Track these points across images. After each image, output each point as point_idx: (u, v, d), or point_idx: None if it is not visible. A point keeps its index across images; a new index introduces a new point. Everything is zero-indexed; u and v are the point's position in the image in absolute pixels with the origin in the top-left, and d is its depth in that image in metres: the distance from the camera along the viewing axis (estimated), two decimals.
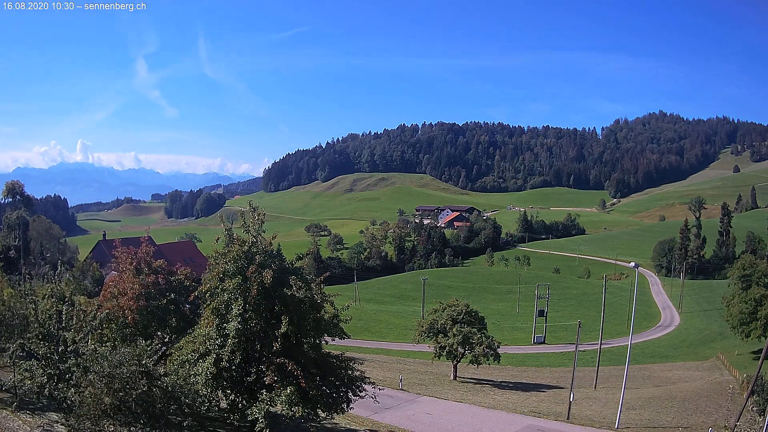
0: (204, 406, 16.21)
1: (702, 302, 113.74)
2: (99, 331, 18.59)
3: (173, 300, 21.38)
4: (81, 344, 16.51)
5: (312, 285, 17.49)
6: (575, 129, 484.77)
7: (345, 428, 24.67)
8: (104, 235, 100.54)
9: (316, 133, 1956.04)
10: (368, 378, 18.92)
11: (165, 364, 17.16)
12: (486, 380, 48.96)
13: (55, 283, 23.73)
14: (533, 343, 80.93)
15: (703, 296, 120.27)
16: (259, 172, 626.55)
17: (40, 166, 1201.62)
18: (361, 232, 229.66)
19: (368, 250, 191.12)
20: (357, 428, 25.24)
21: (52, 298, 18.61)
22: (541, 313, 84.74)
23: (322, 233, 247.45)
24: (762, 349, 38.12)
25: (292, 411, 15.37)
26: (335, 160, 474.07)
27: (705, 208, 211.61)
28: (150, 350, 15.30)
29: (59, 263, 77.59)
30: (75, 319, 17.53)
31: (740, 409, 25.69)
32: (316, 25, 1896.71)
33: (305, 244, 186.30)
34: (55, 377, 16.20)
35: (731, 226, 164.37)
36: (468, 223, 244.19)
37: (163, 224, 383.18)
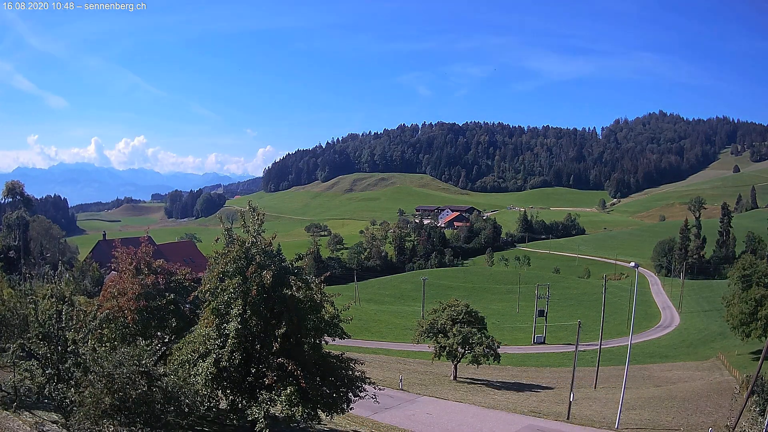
0: (204, 407, 16.20)
1: (702, 302, 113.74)
2: (99, 331, 18.56)
3: (173, 300, 21.34)
4: (81, 344, 16.50)
5: (312, 285, 17.49)
6: (575, 129, 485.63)
7: (344, 428, 24.65)
8: (104, 235, 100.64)
9: (316, 133, 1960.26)
10: (368, 378, 18.88)
11: (165, 364, 17.15)
12: (486, 380, 48.94)
13: (55, 283, 23.80)
14: (533, 343, 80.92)
15: (703, 296, 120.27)
16: (259, 172, 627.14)
17: (40, 166, 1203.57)
18: (361, 232, 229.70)
19: (368, 250, 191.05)
20: (357, 428, 25.23)
21: (52, 298, 18.56)
22: (541, 313, 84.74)
23: (322, 233, 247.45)
24: (762, 349, 38.09)
25: (292, 411, 15.37)
26: (335, 160, 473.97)
27: (705, 208, 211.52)
28: (150, 350, 15.29)
29: (59, 263, 77.74)
30: (75, 319, 17.50)
31: (740, 409, 25.72)
32: (316, 24, 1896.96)
33: (305, 244, 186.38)
34: (55, 377, 16.18)
35: (731, 226, 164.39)
36: (468, 223, 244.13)
37: (163, 224, 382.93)
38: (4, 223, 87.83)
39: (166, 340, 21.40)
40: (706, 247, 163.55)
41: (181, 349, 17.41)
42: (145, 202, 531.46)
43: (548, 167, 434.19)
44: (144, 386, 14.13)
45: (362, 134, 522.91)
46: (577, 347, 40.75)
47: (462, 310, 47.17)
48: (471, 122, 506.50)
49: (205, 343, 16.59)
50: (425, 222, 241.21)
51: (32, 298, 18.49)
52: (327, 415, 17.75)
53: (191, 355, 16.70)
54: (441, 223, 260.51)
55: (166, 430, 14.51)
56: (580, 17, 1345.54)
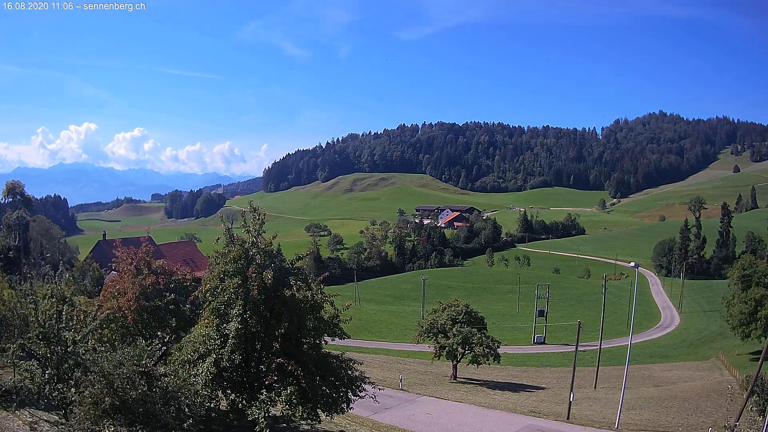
0: (204, 407, 16.20)
1: (702, 302, 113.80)
2: (99, 331, 18.57)
3: (173, 300, 21.35)
4: (81, 344, 16.50)
5: (312, 285, 17.51)
6: (575, 129, 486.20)
7: (344, 429, 24.65)
8: (104, 235, 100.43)
9: (316, 133, 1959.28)
10: (368, 378, 18.90)
11: (165, 365, 17.15)
12: (486, 380, 48.91)
13: (55, 283, 23.80)
14: (533, 343, 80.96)
15: (703, 296, 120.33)
16: (259, 173, 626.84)
17: (40, 165, 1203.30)
18: (361, 232, 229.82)
19: (368, 250, 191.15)
20: (357, 428, 25.24)
21: (52, 298, 18.58)
22: (541, 313, 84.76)
23: (322, 233, 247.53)
24: (762, 349, 38.12)
25: (292, 411, 15.37)
26: (335, 160, 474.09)
27: (705, 208, 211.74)
28: (150, 350, 15.27)
29: (59, 263, 77.68)
30: (75, 319, 17.49)
31: (740, 409, 25.73)
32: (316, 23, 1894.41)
33: (305, 244, 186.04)
34: (55, 377, 16.19)
35: (731, 226, 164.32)
36: (468, 223, 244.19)
37: (163, 224, 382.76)
38: (4, 223, 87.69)
39: (167, 340, 21.41)
40: (706, 247, 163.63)
41: (181, 350, 17.42)
42: (145, 202, 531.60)
43: (548, 167, 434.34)
44: (144, 386, 14.11)
45: (362, 134, 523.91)
46: (577, 347, 40.71)
47: (462, 310, 47.16)
48: (471, 122, 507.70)
49: (206, 343, 16.59)
50: (425, 222, 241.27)
51: (32, 298, 18.46)
52: (327, 415, 17.73)
53: (191, 356, 16.71)
54: (441, 223, 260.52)
55: (166, 431, 14.51)
56: (579, 18, 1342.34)
